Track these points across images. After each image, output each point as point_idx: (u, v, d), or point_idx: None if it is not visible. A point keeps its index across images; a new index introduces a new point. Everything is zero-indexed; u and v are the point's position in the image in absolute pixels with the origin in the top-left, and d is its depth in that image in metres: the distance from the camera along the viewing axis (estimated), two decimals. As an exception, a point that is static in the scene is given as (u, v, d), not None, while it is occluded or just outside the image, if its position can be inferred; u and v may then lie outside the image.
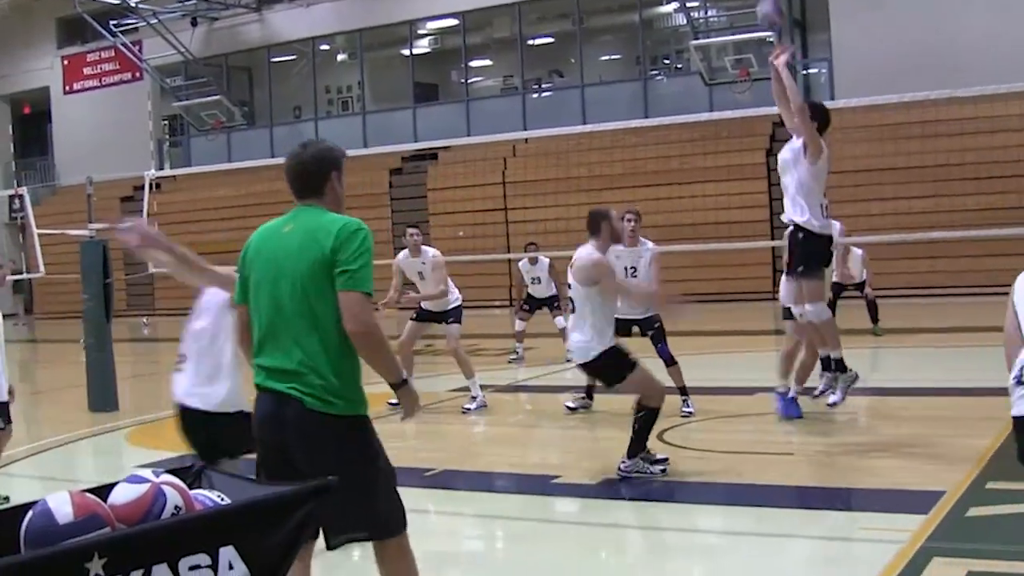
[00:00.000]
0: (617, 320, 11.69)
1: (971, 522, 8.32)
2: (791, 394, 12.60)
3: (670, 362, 13.40)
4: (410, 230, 15.57)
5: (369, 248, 5.60)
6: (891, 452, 11.13)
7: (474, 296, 21.89)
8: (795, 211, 11.03)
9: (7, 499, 9.96)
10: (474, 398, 14.69)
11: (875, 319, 20.91)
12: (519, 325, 20.55)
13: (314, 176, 5.86)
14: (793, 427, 12.14)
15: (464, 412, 14.54)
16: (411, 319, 15.37)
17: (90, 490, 4.39)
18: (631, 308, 12.96)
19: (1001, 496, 8.94)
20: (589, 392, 13.94)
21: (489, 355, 20.13)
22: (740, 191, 33.30)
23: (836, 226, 13.36)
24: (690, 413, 13.13)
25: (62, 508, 4.07)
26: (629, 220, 13.22)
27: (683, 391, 13.38)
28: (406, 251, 15.42)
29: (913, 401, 12.60)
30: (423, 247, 15.39)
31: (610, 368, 10.13)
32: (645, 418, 10.05)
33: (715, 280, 31.05)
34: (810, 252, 10.98)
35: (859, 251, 21.01)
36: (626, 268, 13.39)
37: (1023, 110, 30.65)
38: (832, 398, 11.06)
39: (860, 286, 20.95)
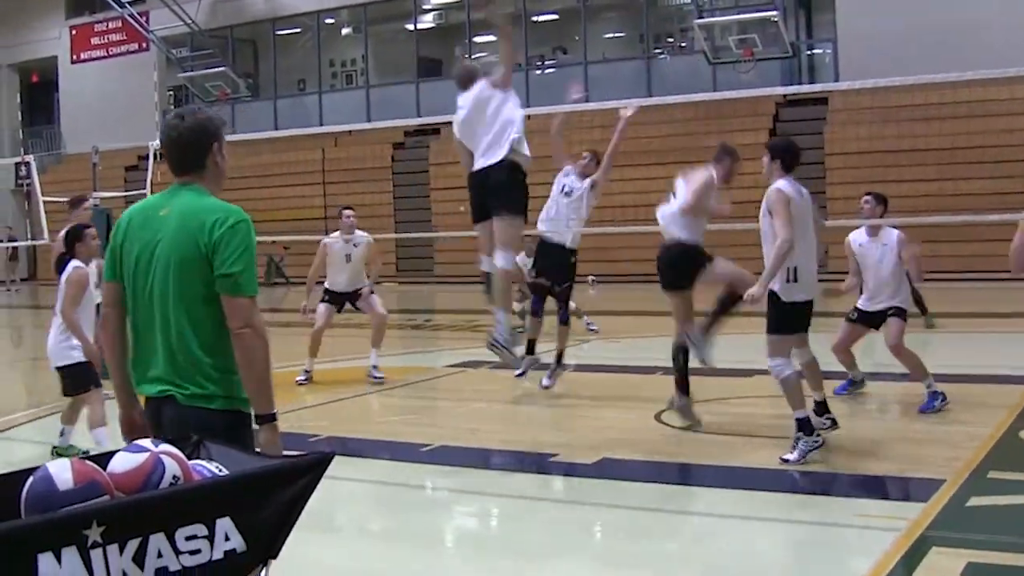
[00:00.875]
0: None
1: (972, 512, 8.31)
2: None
3: (564, 321, 13.97)
4: (345, 211, 15.88)
5: (250, 244, 5.19)
6: (892, 438, 11.13)
7: (475, 271, 21.76)
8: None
9: (85, 452, 9.90)
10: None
11: (923, 310, 19.22)
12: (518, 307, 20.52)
13: (193, 149, 5.41)
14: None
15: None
16: (323, 302, 15.89)
17: (90, 457, 4.41)
18: None
19: (1003, 486, 8.96)
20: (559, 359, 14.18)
21: (485, 331, 20.07)
22: (742, 171, 33.18)
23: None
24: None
25: (62, 475, 4.07)
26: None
27: (560, 357, 13.97)
28: (338, 233, 15.68)
29: (916, 387, 12.58)
30: (357, 230, 15.78)
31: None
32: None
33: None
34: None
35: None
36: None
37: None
38: (789, 456, 10.37)
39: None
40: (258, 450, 5.07)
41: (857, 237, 12.86)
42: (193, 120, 5.43)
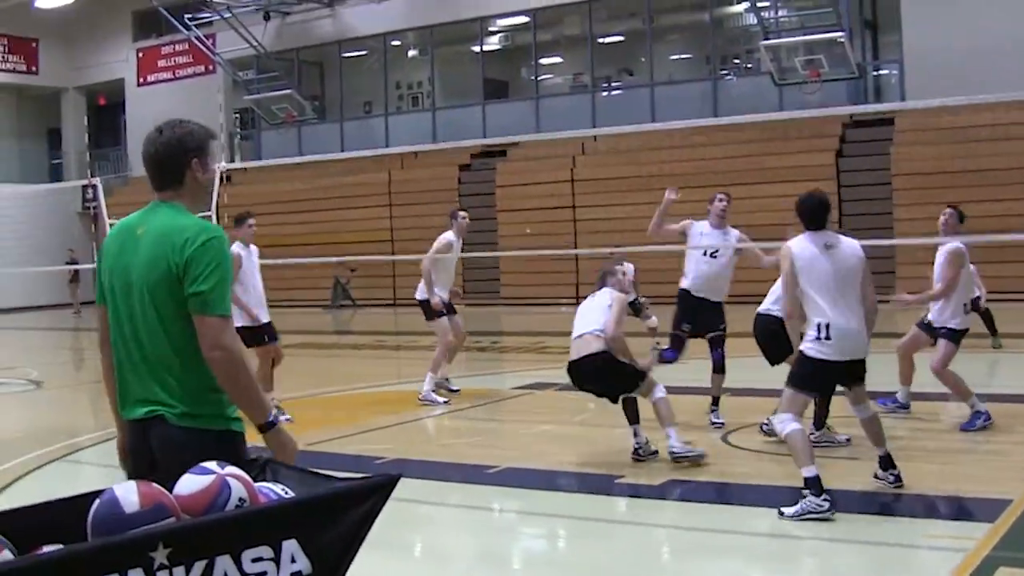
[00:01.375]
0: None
1: (1039, 532, 8.21)
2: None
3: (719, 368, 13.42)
4: (461, 212, 16.04)
5: (222, 261, 5.05)
6: (960, 458, 11.06)
7: (541, 293, 21.78)
8: None
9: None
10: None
11: (993, 330, 19.16)
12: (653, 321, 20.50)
13: (170, 165, 5.29)
14: (859, 430, 12.06)
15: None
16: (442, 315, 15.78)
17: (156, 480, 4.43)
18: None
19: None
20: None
21: (554, 353, 20.07)
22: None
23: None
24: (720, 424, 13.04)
25: (128, 497, 4.10)
26: (720, 201, 13.68)
27: (716, 400, 13.36)
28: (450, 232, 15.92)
29: (987, 406, 12.49)
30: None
31: None
32: None
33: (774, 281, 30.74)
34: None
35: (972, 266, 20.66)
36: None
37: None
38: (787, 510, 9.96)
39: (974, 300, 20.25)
40: (313, 471, 4.99)
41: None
42: (171, 134, 5.36)
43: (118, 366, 5.25)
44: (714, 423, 12.97)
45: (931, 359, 12.35)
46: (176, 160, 5.27)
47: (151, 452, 5.08)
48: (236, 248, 14.02)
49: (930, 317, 12.70)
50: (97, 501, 4.15)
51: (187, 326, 5.01)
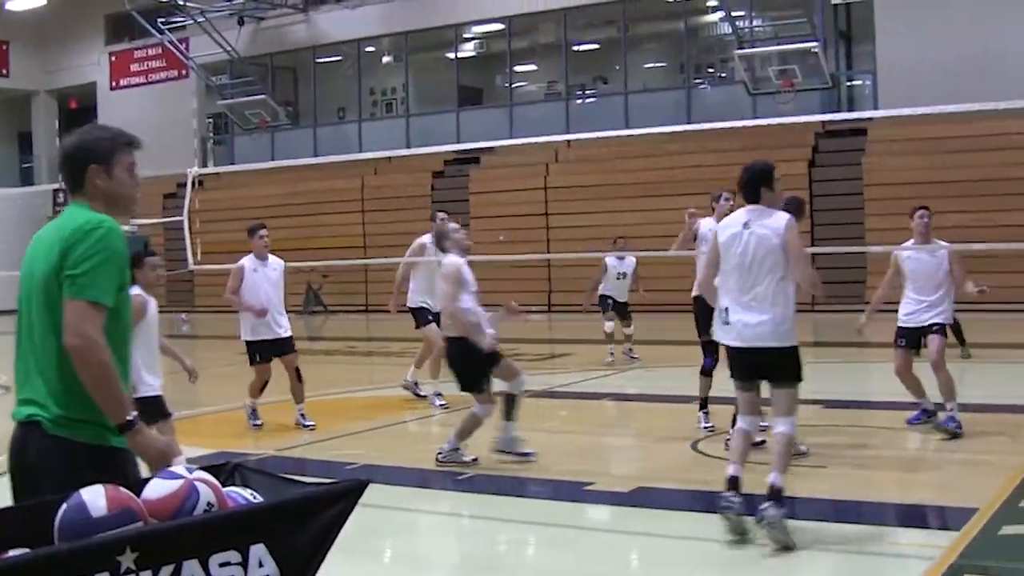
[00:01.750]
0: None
1: (1004, 540, 8.28)
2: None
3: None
4: (439, 214, 16.14)
5: (104, 248, 4.87)
6: (926, 467, 11.12)
7: (505, 301, 21.70)
8: None
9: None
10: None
11: (962, 340, 19.41)
12: (609, 326, 20.54)
13: (70, 170, 5.18)
14: (828, 438, 12.11)
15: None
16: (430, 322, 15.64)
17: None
18: None
19: (1036, 515, 8.92)
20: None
21: (526, 359, 20.10)
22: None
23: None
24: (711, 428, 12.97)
25: (96, 501, 4.10)
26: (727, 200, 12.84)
27: (704, 403, 13.24)
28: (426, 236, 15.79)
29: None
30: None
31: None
32: None
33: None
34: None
35: None
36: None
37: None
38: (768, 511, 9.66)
39: None
40: (282, 476, 5.00)
41: (907, 250, 12.95)
42: (73, 140, 5.26)
43: (14, 366, 5.12)
44: (705, 427, 12.97)
45: (930, 353, 12.41)
46: (75, 166, 5.17)
47: (26, 454, 4.94)
48: (246, 262, 14.21)
49: (902, 322, 12.72)
50: (64, 505, 4.15)
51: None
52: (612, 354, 20.38)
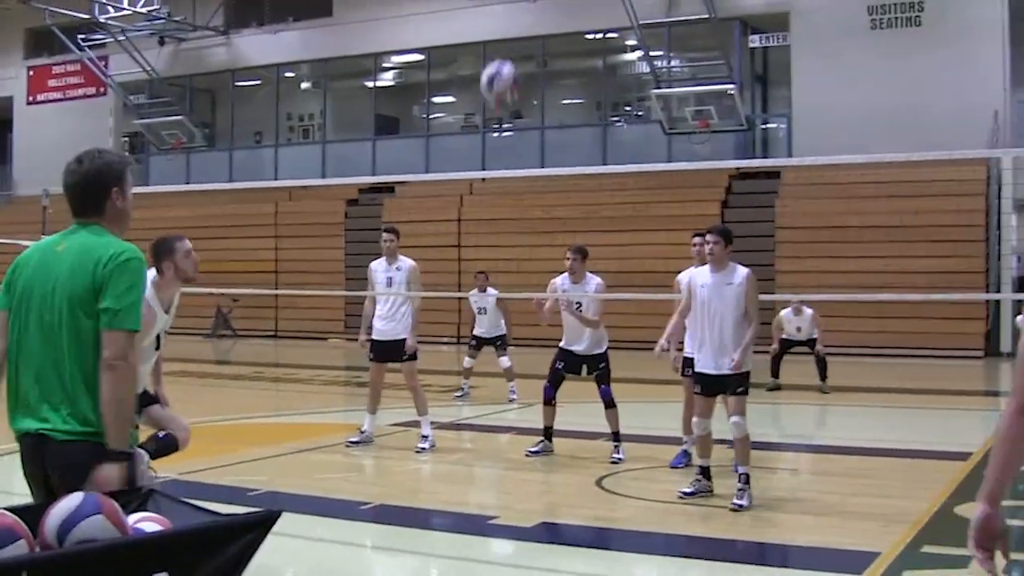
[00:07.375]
0: (567, 358, 12.37)
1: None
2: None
3: (609, 404, 13.51)
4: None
5: (140, 281, 5.31)
6: (830, 510, 11.17)
7: (423, 331, 21.65)
8: None
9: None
10: (425, 437, 14.60)
11: (824, 376, 20.68)
12: (467, 362, 20.66)
13: (93, 194, 5.47)
14: (733, 480, 12.17)
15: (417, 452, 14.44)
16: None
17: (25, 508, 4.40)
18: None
19: (936, 560, 9.01)
20: (548, 435, 13.96)
21: (434, 391, 20.06)
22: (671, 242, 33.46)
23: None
24: (619, 460, 13.23)
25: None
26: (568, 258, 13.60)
27: (616, 436, 13.48)
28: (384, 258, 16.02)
29: (856, 460, 12.70)
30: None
31: None
32: None
33: (663, 329, 30.87)
34: None
35: (809, 309, 21.26)
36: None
37: (977, 175, 31.05)
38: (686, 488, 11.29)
39: (811, 343, 21.10)
40: (191, 502, 5.00)
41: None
42: (91, 164, 5.48)
43: (16, 375, 5.28)
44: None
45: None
46: (98, 191, 5.46)
47: (44, 466, 5.12)
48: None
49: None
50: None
51: (94, 335, 5.14)
52: (463, 388, 20.58)
